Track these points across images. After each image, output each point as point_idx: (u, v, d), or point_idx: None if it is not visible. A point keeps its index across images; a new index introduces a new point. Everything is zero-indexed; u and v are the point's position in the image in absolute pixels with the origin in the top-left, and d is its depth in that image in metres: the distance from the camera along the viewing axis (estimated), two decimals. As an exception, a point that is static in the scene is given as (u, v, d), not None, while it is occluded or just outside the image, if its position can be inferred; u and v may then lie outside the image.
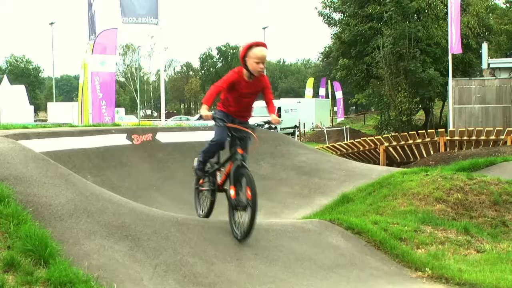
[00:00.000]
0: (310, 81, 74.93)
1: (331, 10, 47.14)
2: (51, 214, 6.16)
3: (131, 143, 13.31)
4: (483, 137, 22.12)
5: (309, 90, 73.40)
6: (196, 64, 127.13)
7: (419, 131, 24.48)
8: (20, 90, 52.84)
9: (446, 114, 40.12)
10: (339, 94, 67.22)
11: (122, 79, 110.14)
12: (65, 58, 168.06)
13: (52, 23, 68.12)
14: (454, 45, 29.82)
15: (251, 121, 7.80)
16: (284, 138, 16.83)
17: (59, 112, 54.91)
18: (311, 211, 11.84)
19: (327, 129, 43.57)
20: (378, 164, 22.62)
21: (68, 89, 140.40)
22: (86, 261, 5.59)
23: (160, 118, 27.26)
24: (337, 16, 47.33)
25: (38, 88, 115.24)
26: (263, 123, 8.37)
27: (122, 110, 69.00)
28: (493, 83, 33.65)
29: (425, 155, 22.28)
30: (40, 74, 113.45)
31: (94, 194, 7.04)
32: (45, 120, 57.92)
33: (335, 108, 68.80)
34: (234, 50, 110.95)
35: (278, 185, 13.67)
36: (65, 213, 6.26)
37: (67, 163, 10.87)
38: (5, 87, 54.27)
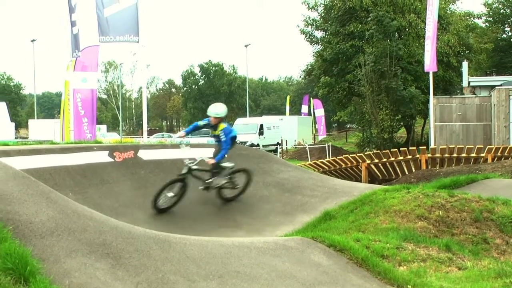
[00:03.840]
0: (289, 99, 75.30)
1: (313, 28, 47.49)
2: (31, 232, 6.09)
3: (113, 160, 13.25)
4: (464, 155, 22.26)
5: (287, 108, 73.74)
6: (178, 81, 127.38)
7: (400, 149, 24.58)
8: (1, 107, 52.38)
9: (428, 131, 40.34)
10: (319, 112, 67.30)
11: (104, 96, 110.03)
12: (46, 75, 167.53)
13: (33, 40, 67.78)
14: (430, 64, 30.06)
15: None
16: (266, 156, 16.85)
17: (40, 129, 54.62)
18: (293, 228, 11.82)
19: (309, 146, 43.56)
20: (360, 181, 22.70)
21: (49, 106, 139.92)
22: (67, 279, 5.53)
23: (142, 135, 27.18)
24: (319, 34, 47.71)
25: (19, 105, 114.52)
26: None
27: (104, 127, 68.81)
28: (473, 101, 33.98)
29: (406, 173, 22.38)
30: (21, 91, 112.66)
31: (76, 212, 6.99)
32: (26, 137, 57.54)
33: (316, 126, 68.91)
34: (216, 68, 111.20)
35: (260, 202, 13.67)
36: (46, 231, 6.20)
37: (48, 180, 10.81)
38: (-14, 104, 53.86)
